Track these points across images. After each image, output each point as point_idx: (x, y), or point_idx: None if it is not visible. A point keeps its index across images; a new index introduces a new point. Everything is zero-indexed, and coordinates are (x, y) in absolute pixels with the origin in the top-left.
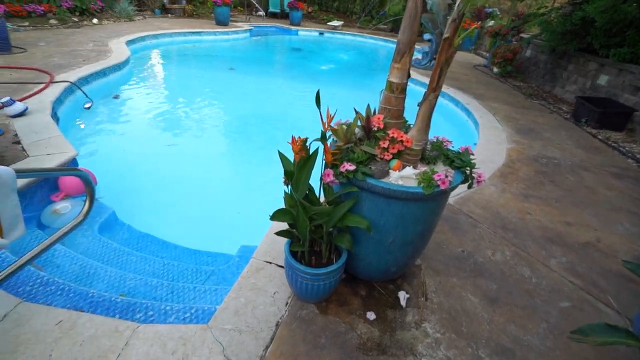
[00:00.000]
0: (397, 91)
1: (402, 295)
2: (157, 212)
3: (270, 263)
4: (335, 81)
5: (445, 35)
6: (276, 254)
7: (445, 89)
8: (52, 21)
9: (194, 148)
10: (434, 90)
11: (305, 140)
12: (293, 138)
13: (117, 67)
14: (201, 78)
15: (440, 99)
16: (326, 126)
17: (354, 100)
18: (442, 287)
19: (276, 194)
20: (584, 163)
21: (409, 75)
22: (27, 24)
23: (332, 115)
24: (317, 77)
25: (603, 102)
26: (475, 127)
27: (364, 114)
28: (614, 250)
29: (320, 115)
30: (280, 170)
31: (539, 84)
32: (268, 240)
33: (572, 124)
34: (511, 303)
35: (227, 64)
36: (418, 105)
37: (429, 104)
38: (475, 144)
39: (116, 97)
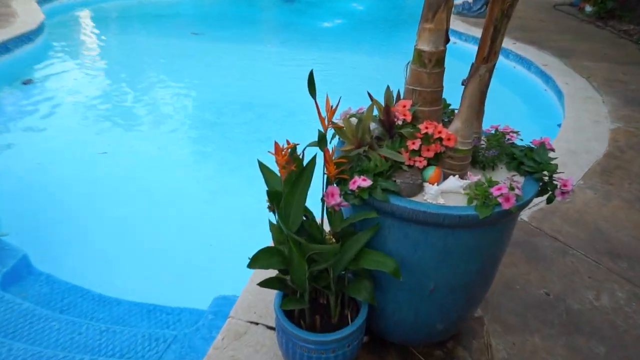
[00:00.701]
0: (430, 64)
1: None
2: (91, 251)
3: (257, 324)
4: (346, 45)
5: None
6: (265, 310)
7: (510, 45)
8: None
9: (144, 153)
10: (485, 60)
11: (295, 148)
12: (277, 145)
13: (27, 37)
14: (153, 48)
15: (502, 60)
16: (326, 122)
17: (375, 71)
18: (517, 352)
19: (266, 213)
20: None
21: (447, 40)
22: None
23: (333, 107)
24: (319, 40)
25: None
26: (559, 100)
27: (382, 101)
28: None
29: (317, 107)
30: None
31: None
32: (252, 290)
33: None
34: None
35: (188, 27)
36: (463, 84)
37: (479, 80)
38: (558, 125)
39: (27, 82)
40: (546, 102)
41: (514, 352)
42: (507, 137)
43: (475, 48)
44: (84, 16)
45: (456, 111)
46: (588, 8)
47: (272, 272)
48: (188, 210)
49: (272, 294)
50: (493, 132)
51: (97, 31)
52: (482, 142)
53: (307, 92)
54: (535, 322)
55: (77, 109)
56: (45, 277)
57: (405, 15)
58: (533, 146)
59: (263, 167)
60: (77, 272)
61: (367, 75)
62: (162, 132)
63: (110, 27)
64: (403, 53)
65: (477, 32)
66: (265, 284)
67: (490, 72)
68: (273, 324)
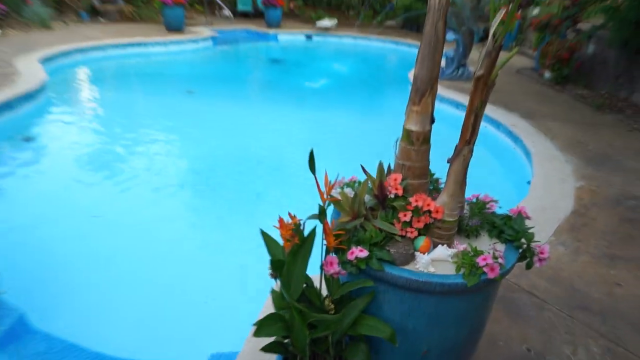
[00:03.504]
0: (418, 142)
1: None
2: (86, 309)
3: None
4: (331, 104)
5: (479, 73)
6: None
7: None
8: None
9: (140, 209)
10: (467, 142)
11: (299, 223)
12: (281, 220)
13: (29, 96)
14: (149, 105)
15: None
16: (325, 196)
17: (359, 130)
18: None
19: (259, 268)
20: None
21: (433, 120)
22: None
23: (332, 183)
24: (306, 100)
25: None
26: (527, 158)
27: (375, 174)
28: None
29: (317, 182)
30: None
31: (611, 89)
32: (250, 349)
33: None
34: None
35: (183, 85)
36: (448, 162)
37: (462, 160)
38: (528, 182)
39: (27, 139)
40: (516, 160)
41: None
42: (488, 206)
43: (448, 108)
44: (85, 74)
45: (441, 184)
46: (547, 74)
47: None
48: (182, 267)
49: (270, 355)
50: (474, 200)
51: (96, 89)
52: (466, 211)
53: (293, 147)
54: None
55: (75, 165)
56: (43, 336)
57: (381, 78)
58: (511, 215)
59: (266, 237)
60: (74, 330)
61: (349, 133)
62: (158, 187)
63: (109, 85)
64: (386, 108)
65: (450, 94)
66: (268, 349)
67: (471, 152)
68: None
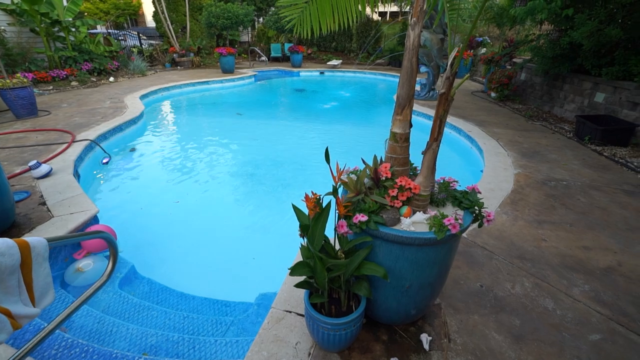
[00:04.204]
0: (401, 141)
1: (425, 338)
2: (174, 263)
3: (290, 312)
4: (338, 119)
5: (442, 91)
6: (295, 302)
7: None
8: (74, 83)
9: (207, 195)
10: (435, 139)
11: (319, 198)
12: (307, 196)
13: (132, 121)
14: (211, 125)
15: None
16: (337, 180)
17: (358, 136)
18: (464, 326)
19: (290, 236)
20: (594, 182)
21: (410, 125)
22: (51, 87)
23: (342, 170)
24: (321, 116)
25: (604, 119)
26: (480, 154)
27: (371, 164)
28: (639, 274)
29: (331, 170)
30: (292, 213)
31: (538, 105)
32: (286, 289)
33: (576, 143)
34: (538, 339)
35: (234, 110)
36: (422, 154)
37: (432, 152)
38: (481, 170)
39: (132, 150)
40: (472, 155)
41: (462, 325)
42: (451, 184)
43: (423, 120)
44: (167, 105)
45: (418, 170)
46: (493, 94)
47: (302, 277)
48: (237, 234)
49: (300, 292)
50: (442, 181)
51: (175, 114)
52: (436, 188)
53: (313, 150)
54: (474, 305)
55: (164, 165)
56: (146, 281)
57: (373, 99)
58: (467, 190)
59: (296, 209)
60: (166, 277)
61: (355, 136)
62: (219, 179)
63: (184, 111)
64: (377, 121)
65: (423, 110)
66: (299, 285)
67: (438, 146)
68: (302, 312)
